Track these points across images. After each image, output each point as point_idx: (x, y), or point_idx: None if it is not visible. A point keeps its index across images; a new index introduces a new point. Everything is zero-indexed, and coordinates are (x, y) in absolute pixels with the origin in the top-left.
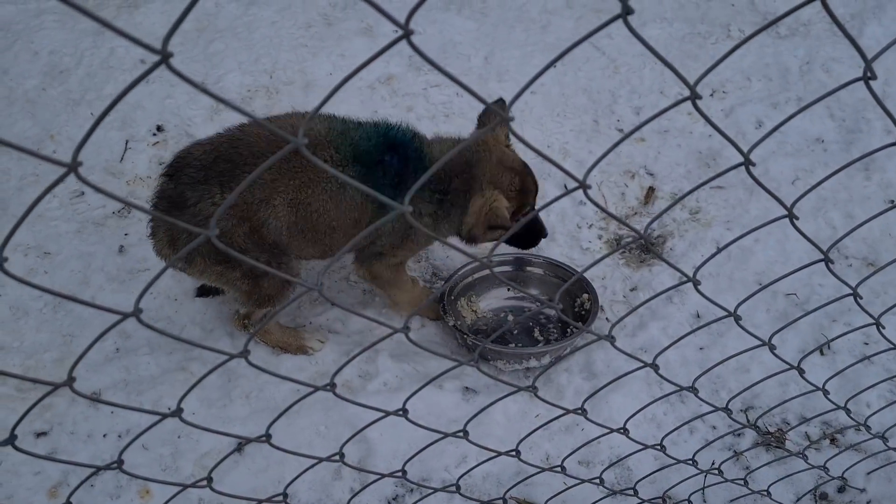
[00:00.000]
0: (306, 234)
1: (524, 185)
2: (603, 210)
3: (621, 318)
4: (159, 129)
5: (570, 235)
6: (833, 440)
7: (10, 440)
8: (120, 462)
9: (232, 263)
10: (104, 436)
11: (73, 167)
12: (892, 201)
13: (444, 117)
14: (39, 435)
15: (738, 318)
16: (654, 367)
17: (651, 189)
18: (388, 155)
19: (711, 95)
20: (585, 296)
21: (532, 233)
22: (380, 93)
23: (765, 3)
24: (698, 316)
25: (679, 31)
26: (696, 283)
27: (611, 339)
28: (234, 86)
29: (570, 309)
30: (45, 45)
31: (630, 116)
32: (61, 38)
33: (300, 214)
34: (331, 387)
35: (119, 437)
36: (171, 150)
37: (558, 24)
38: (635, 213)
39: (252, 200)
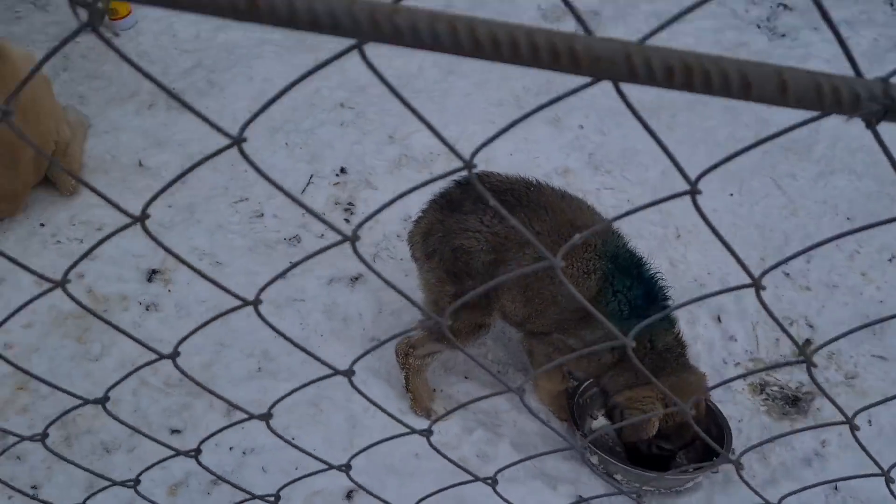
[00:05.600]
0: (527, 292)
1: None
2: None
3: (747, 449)
4: (342, 170)
5: (715, 370)
6: None
7: (103, 399)
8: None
9: (458, 278)
10: (230, 448)
11: (237, 141)
12: None
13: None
14: (174, 432)
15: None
16: None
17: (808, 341)
18: (637, 279)
19: (890, 261)
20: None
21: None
22: (555, 182)
23: None
24: (836, 489)
25: (866, 187)
26: (853, 427)
27: (739, 465)
28: (419, 145)
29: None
30: (260, 72)
31: (798, 264)
32: (277, 69)
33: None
34: (427, 433)
35: (244, 453)
36: (349, 192)
37: None
38: (787, 364)
39: (515, 240)
